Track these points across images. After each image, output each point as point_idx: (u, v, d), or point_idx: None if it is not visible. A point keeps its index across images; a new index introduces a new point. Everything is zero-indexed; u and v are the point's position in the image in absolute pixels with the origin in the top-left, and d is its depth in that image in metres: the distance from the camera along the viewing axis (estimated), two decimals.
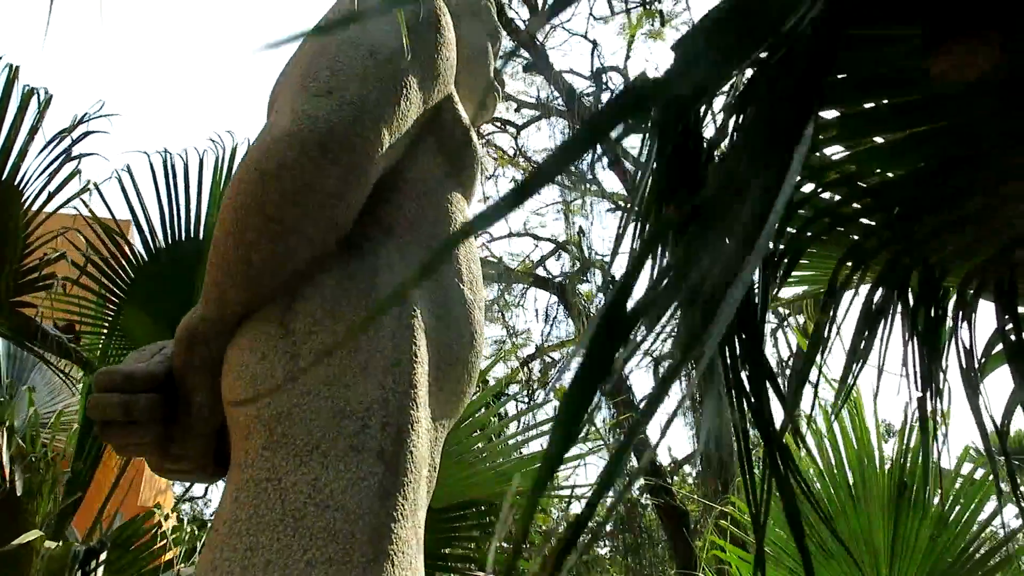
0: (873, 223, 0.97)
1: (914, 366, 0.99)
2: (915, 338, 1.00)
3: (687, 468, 12.24)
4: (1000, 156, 0.88)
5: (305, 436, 1.18)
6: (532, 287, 12.72)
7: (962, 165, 0.90)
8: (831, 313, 0.96)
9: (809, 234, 1.02)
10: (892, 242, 0.97)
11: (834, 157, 0.98)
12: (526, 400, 12.03)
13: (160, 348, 1.37)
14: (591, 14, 10.52)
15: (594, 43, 11.90)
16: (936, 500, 2.39)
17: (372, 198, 1.39)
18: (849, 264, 1.00)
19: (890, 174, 0.95)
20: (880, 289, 1.00)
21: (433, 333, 1.36)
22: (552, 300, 12.47)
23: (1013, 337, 0.98)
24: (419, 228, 1.43)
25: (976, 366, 1.02)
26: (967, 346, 1.01)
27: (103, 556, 1.96)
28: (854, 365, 0.98)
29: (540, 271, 12.86)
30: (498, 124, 10.96)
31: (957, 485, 2.43)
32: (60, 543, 1.94)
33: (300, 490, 1.14)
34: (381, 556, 1.13)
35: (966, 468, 2.48)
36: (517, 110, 10.53)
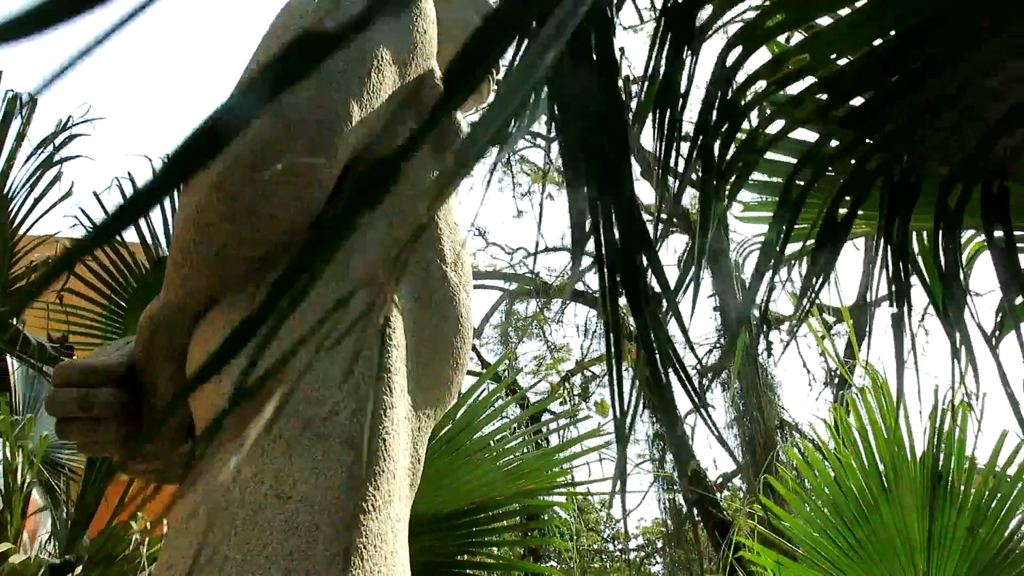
0: (832, 123, 0.87)
1: (889, 285, 0.89)
2: (888, 251, 0.89)
3: (736, 482, 12.00)
4: (975, 14, 0.77)
5: (268, 426, 1.11)
6: (571, 301, 12.62)
7: (928, 32, 0.78)
8: (783, 228, 0.86)
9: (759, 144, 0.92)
10: (856, 144, 0.87)
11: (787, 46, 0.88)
12: (568, 418, 11.90)
13: (128, 342, 1.31)
14: (620, 23, 10.46)
15: (621, 50, 11.80)
16: (973, 490, 2.25)
17: (347, 177, 1.33)
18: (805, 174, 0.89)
19: (847, 58, 0.85)
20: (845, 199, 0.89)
21: (413, 316, 1.29)
22: (591, 314, 12.35)
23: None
24: (394, 205, 1.36)
25: (965, 291, 0.91)
26: (952, 269, 0.90)
27: (78, 570, 1.91)
28: (813, 284, 0.88)
29: (577, 285, 12.76)
30: (529, 138, 10.91)
31: (996, 471, 2.29)
32: (31, 557, 1.89)
33: (261, 481, 1.07)
34: (348, 550, 1.05)
35: (1005, 453, 2.34)
36: (548, 124, 10.49)
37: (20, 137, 2.00)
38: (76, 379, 1.21)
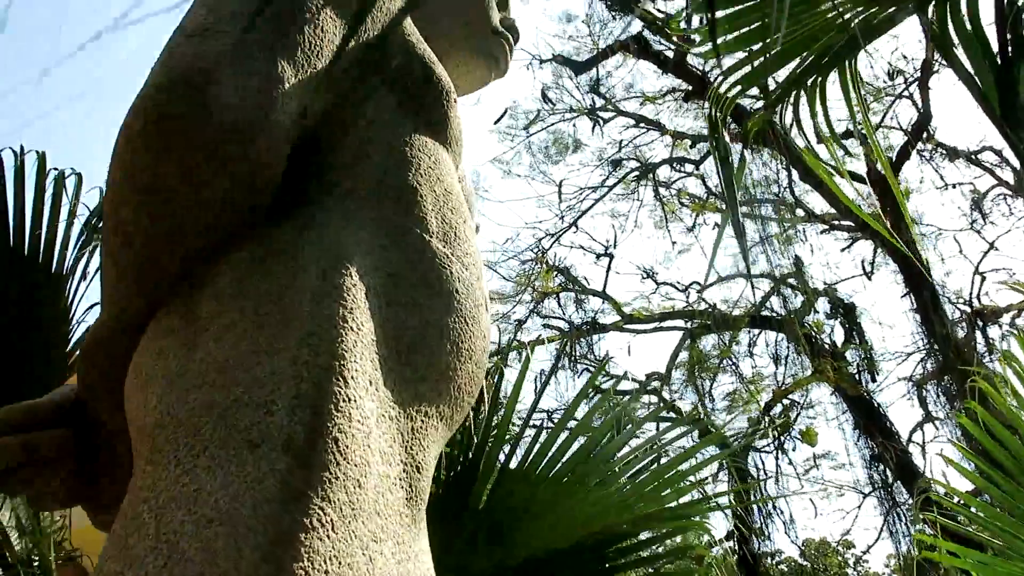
0: None
1: None
2: None
3: None
4: None
5: (191, 439, 0.92)
6: (757, 329, 11.97)
7: None
8: None
9: None
10: None
11: None
12: (775, 448, 11.20)
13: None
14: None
15: None
16: None
17: (306, 149, 1.15)
18: None
19: None
20: None
21: (385, 294, 1.07)
22: (779, 338, 11.64)
23: None
24: (364, 177, 1.16)
25: None
26: None
27: None
28: None
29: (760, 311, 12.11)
30: (677, 167, 10.55)
31: None
32: None
33: (179, 506, 0.87)
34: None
35: None
36: (692, 146, 10.09)
37: (71, 215, 2.00)
38: (17, 422, 1.07)
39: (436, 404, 1.11)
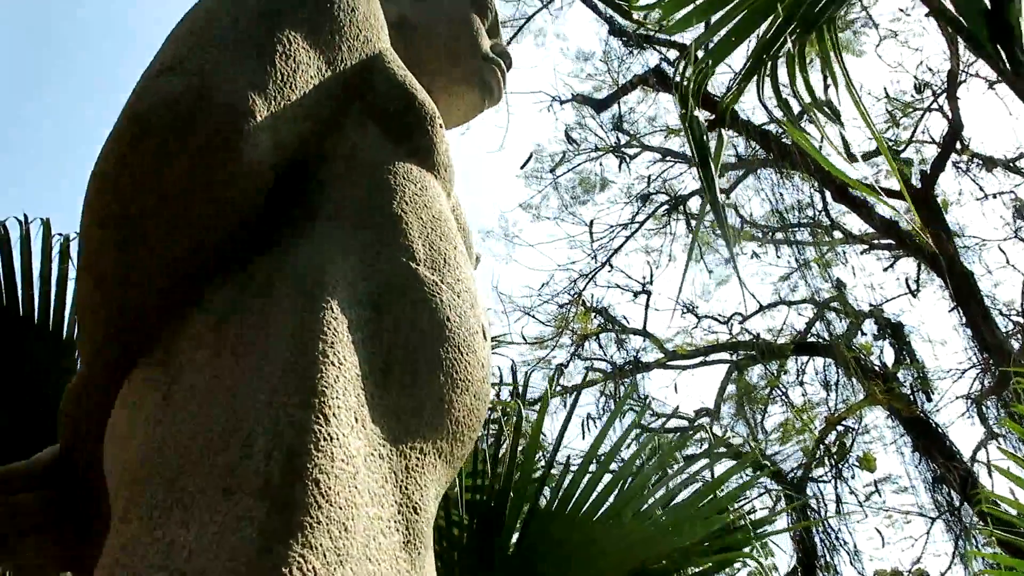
0: None
1: None
2: None
3: None
4: None
5: (165, 489, 0.87)
6: (805, 356, 11.72)
7: None
8: None
9: None
10: None
11: None
12: (833, 477, 10.87)
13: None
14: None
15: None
16: None
17: (289, 179, 1.11)
18: None
19: None
20: None
21: (370, 326, 1.02)
22: (828, 364, 11.38)
23: None
24: (348, 206, 1.12)
25: None
26: None
27: None
28: None
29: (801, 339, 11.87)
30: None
31: None
32: None
33: (151, 563, 0.82)
34: None
35: None
36: (721, 175, 9.98)
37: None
38: None
39: (432, 439, 1.05)
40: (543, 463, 2.10)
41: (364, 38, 1.23)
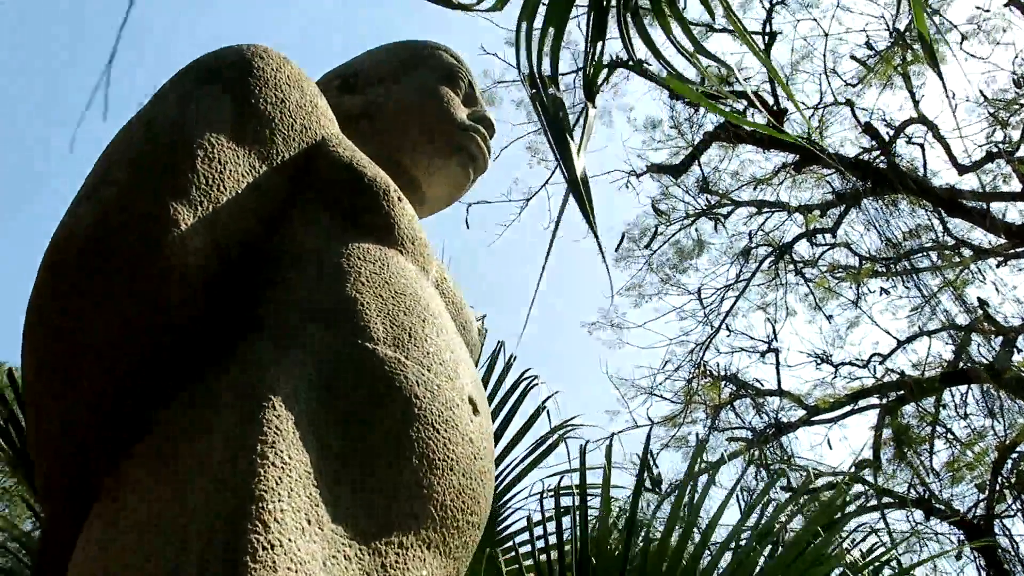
0: None
1: None
2: None
3: None
4: None
5: None
6: (962, 385, 10.93)
7: None
8: None
9: None
10: None
11: None
12: (1019, 510, 9.96)
13: None
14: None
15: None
16: None
17: (239, 282, 1.07)
18: None
19: None
20: None
21: (324, 417, 0.95)
22: (985, 388, 10.58)
23: None
24: (296, 299, 1.06)
25: None
26: None
27: None
28: None
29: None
30: (813, 240, 10.03)
31: None
32: None
33: None
34: None
35: None
36: (822, 215, 9.61)
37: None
38: None
39: (413, 530, 0.95)
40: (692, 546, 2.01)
41: (301, 127, 1.20)
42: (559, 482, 2.23)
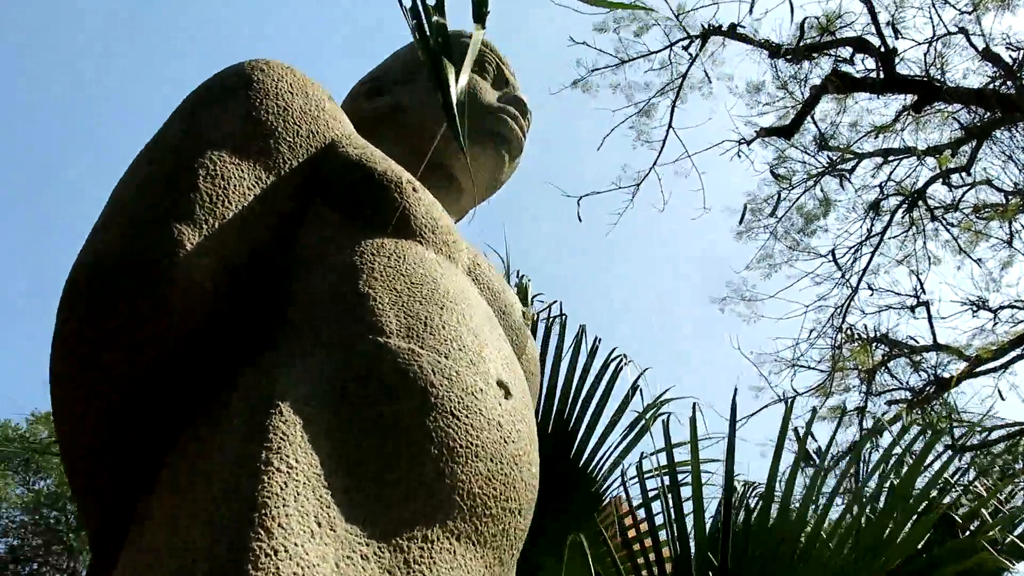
0: None
1: None
2: None
3: None
4: None
5: None
6: None
7: None
8: None
9: None
10: None
11: None
12: None
13: None
14: None
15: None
16: None
17: (256, 295, 1.08)
18: None
19: None
20: None
21: (334, 417, 0.93)
22: None
23: None
24: (309, 303, 1.06)
25: None
26: None
27: None
28: None
29: None
30: (947, 182, 9.40)
31: None
32: None
33: None
34: None
35: None
36: (954, 154, 8.98)
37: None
38: None
39: (440, 522, 0.92)
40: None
41: (308, 132, 1.19)
42: (670, 460, 2.14)
